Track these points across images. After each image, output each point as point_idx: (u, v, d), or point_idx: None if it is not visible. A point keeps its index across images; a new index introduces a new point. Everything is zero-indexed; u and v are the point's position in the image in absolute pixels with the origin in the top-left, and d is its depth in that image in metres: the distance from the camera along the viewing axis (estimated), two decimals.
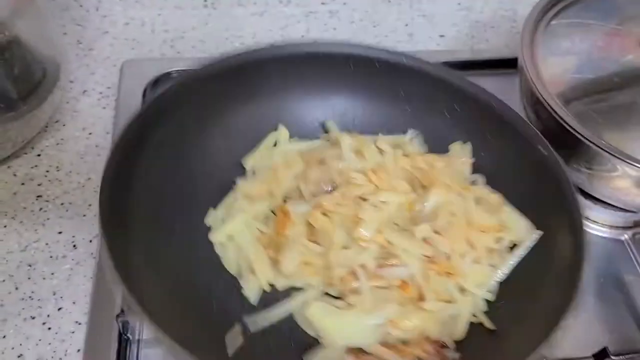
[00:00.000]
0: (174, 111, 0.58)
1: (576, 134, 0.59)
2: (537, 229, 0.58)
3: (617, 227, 0.71)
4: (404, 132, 0.66)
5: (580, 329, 0.63)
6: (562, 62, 0.68)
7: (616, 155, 0.57)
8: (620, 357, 0.58)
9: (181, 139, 0.59)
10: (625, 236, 0.70)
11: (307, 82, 0.65)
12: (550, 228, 0.57)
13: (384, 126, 0.66)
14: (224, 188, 0.62)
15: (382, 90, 0.66)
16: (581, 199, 0.70)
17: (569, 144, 0.61)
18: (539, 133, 0.58)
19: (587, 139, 0.58)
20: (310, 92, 0.66)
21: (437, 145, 0.65)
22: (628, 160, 0.57)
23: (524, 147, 0.58)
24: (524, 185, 0.59)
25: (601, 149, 0.58)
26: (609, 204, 0.69)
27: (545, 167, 0.56)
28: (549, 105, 0.62)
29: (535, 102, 0.64)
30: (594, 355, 0.59)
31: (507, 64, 0.85)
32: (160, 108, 0.57)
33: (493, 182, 0.62)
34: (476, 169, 0.64)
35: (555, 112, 0.61)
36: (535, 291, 0.54)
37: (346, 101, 0.67)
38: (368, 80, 0.65)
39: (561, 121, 0.60)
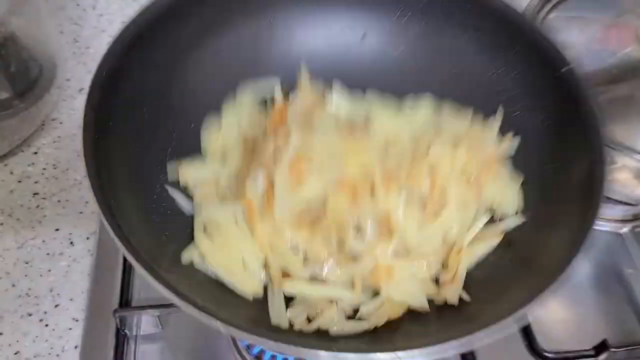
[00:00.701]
0: (164, 28, 0.53)
1: None
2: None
3: (616, 221, 0.71)
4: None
5: (580, 323, 0.63)
6: None
7: (615, 147, 0.57)
8: (620, 349, 0.58)
9: (172, 56, 0.55)
10: (625, 230, 0.70)
11: None
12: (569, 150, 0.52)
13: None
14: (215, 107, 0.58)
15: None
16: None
17: None
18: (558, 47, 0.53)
19: None
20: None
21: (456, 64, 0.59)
22: (627, 152, 0.57)
23: (544, 62, 0.53)
24: (543, 104, 0.54)
25: None
26: (608, 197, 0.69)
27: (567, 83, 0.52)
28: None
29: None
30: (594, 348, 0.59)
31: None
32: (148, 24, 0.52)
33: (512, 103, 0.56)
34: (495, 91, 0.57)
35: None
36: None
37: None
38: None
39: None
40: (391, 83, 0.60)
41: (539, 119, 0.55)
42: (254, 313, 0.47)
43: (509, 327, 0.41)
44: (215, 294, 0.48)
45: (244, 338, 0.39)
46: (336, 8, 0.61)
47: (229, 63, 0.58)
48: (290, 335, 0.45)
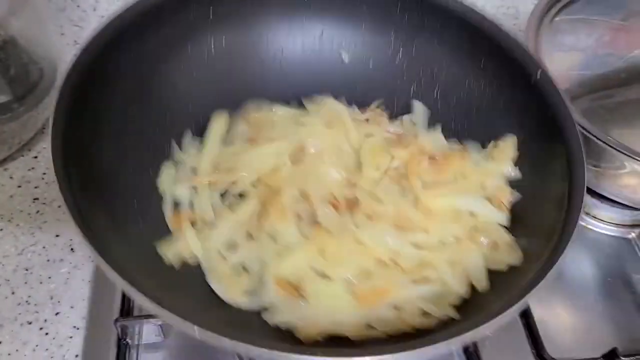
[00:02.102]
0: (136, 38, 0.53)
1: (583, 131, 0.58)
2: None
3: (624, 226, 0.70)
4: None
5: (589, 330, 0.62)
6: (567, 59, 0.68)
7: (624, 152, 0.56)
8: (630, 357, 0.57)
9: (144, 68, 0.54)
10: (633, 234, 0.69)
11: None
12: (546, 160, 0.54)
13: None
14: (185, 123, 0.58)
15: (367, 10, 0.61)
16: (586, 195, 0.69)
17: None
18: (536, 58, 0.54)
19: (594, 136, 0.57)
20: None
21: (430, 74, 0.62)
22: (636, 157, 0.56)
23: (520, 73, 0.54)
24: (521, 113, 0.56)
25: (609, 145, 0.57)
26: (616, 202, 0.68)
27: (541, 93, 0.53)
28: None
29: None
30: (603, 356, 0.58)
31: None
32: (119, 34, 0.51)
33: (488, 113, 0.59)
34: (471, 99, 0.60)
35: None
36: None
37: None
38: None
39: None
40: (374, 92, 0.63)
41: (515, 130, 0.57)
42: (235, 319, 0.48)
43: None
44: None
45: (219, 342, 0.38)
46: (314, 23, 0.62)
47: (203, 74, 0.58)
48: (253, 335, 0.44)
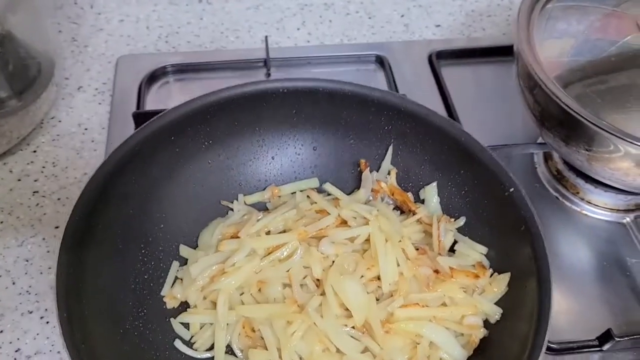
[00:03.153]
0: (138, 163, 0.56)
1: (575, 115, 0.58)
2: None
3: (618, 210, 0.70)
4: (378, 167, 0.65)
5: (584, 313, 0.62)
6: (559, 45, 0.68)
7: (616, 134, 0.57)
8: (625, 338, 0.57)
9: (146, 189, 0.58)
10: (627, 219, 0.69)
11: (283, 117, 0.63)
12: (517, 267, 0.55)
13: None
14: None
15: (355, 124, 0.64)
16: (580, 181, 0.70)
17: (568, 126, 0.61)
18: (505, 169, 0.56)
19: (586, 119, 0.58)
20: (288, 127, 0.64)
21: (409, 180, 0.64)
22: (628, 139, 0.56)
23: (491, 182, 0.57)
24: (493, 218, 0.58)
25: (601, 128, 0.57)
26: (610, 187, 0.69)
27: (512, 204, 0.54)
28: (547, 87, 0.61)
29: (533, 85, 0.64)
30: (598, 338, 0.59)
31: (503, 52, 0.84)
32: (122, 162, 0.55)
33: (462, 212, 0.61)
34: (450, 204, 0.62)
35: (554, 94, 0.60)
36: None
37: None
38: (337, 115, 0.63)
39: (560, 103, 0.60)
40: None
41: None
42: None
43: None
44: None
45: None
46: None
47: (199, 187, 0.62)
48: None
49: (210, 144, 0.61)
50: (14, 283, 0.61)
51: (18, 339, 0.57)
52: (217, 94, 0.59)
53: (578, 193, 0.71)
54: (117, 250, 0.54)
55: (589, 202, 0.71)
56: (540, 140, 0.76)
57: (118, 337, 0.50)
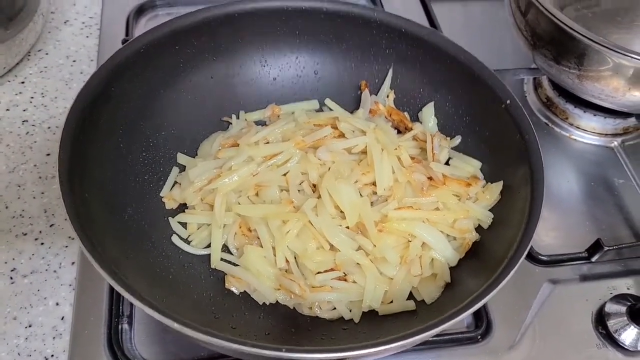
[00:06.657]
0: (140, 67, 0.56)
1: (568, 30, 0.59)
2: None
3: (606, 135, 0.71)
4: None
5: (573, 229, 0.64)
6: None
7: (607, 46, 0.57)
8: (614, 247, 0.59)
9: (147, 94, 0.58)
10: (615, 143, 0.71)
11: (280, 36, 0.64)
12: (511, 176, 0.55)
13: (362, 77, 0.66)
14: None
15: (356, 46, 0.64)
16: (570, 107, 0.70)
17: (559, 41, 0.61)
18: (502, 82, 0.57)
19: (578, 32, 0.58)
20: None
21: (408, 103, 0.65)
22: (618, 50, 0.57)
23: (489, 97, 0.57)
24: (490, 134, 0.59)
25: (592, 41, 0.57)
26: (599, 110, 0.70)
27: (509, 115, 0.55)
28: (540, 4, 0.61)
29: (527, 6, 0.64)
30: (588, 250, 0.60)
31: None
32: (125, 62, 0.55)
33: (459, 132, 0.62)
34: (447, 124, 0.63)
35: (547, 10, 0.60)
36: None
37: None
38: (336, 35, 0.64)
39: (553, 18, 0.60)
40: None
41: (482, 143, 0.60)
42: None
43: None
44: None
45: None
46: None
47: (200, 100, 0.62)
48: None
49: (214, 60, 0.62)
50: (7, 207, 0.61)
51: (13, 259, 0.57)
52: (223, 7, 0.60)
53: (567, 119, 0.72)
54: (119, 149, 0.54)
55: (578, 127, 0.72)
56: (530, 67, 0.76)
57: (118, 225, 0.50)
